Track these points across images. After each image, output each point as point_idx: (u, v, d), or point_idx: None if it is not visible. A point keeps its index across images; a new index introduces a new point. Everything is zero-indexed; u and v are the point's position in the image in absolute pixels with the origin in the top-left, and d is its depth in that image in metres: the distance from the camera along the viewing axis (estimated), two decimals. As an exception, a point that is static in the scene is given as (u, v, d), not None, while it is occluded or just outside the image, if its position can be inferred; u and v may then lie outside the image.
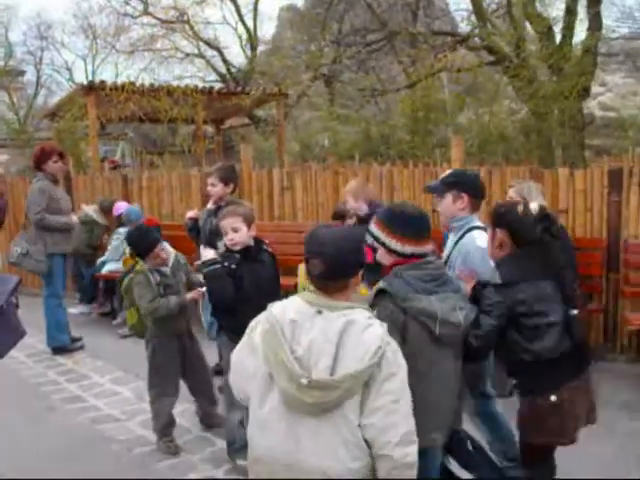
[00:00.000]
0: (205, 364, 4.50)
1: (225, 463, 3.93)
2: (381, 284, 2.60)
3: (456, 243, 3.35)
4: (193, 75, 21.23)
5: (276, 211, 7.42)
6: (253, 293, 3.60)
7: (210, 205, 4.96)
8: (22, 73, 28.54)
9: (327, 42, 15.79)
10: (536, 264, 2.85)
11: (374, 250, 2.79)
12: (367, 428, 2.10)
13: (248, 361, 2.26)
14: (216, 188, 4.93)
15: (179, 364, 4.27)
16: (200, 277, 4.03)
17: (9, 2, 34.94)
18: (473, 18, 13.15)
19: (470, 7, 13.27)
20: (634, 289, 5.38)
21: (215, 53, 20.68)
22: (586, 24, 11.05)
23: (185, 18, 19.04)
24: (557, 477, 3.15)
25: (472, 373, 3.09)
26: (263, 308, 2.31)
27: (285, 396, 2.11)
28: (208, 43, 20.30)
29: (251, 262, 3.75)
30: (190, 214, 5.22)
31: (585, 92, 10.63)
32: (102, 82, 11.27)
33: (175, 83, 13.98)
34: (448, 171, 3.68)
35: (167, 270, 4.20)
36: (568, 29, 10.80)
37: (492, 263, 2.98)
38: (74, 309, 7.75)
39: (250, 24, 20.57)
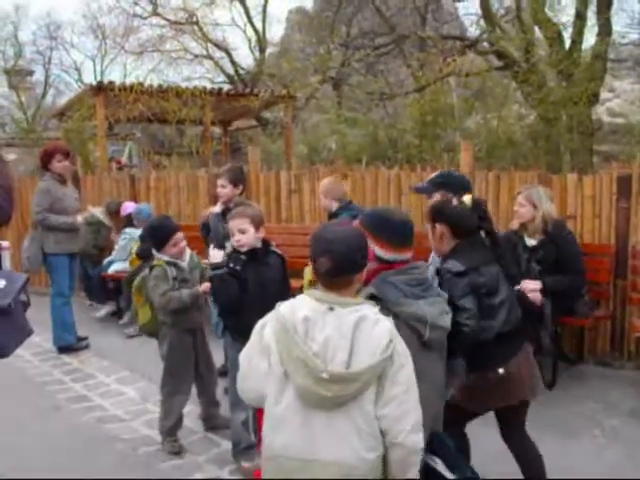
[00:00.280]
0: (213, 364, 4.50)
1: (230, 464, 3.92)
2: (371, 289, 2.55)
3: None
4: (202, 76, 21.28)
5: (283, 214, 7.42)
6: (258, 295, 3.59)
7: (219, 206, 4.97)
8: (31, 73, 28.68)
9: (335, 45, 15.81)
10: (482, 250, 3.05)
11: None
12: (382, 419, 2.17)
13: (258, 361, 2.27)
14: (225, 189, 4.96)
15: (193, 362, 4.28)
16: None
17: (19, 2, 35.08)
18: (482, 22, 13.13)
19: (479, 11, 13.26)
20: (642, 296, 5.36)
21: (224, 55, 20.71)
22: (596, 30, 11.03)
23: (194, 19, 19.08)
24: (560, 478, 3.18)
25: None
26: (268, 310, 2.31)
27: (302, 392, 2.15)
28: (217, 45, 20.33)
29: (257, 264, 3.74)
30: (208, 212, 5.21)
31: (594, 98, 10.59)
32: (111, 82, 11.31)
33: (184, 84, 14.03)
34: (435, 172, 3.81)
35: (184, 265, 4.21)
36: (578, 34, 10.76)
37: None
38: (99, 313, 7.77)
39: (259, 26, 20.61)
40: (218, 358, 4.60)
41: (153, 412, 4.52)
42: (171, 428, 4.20)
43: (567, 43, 10.91)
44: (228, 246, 3.98)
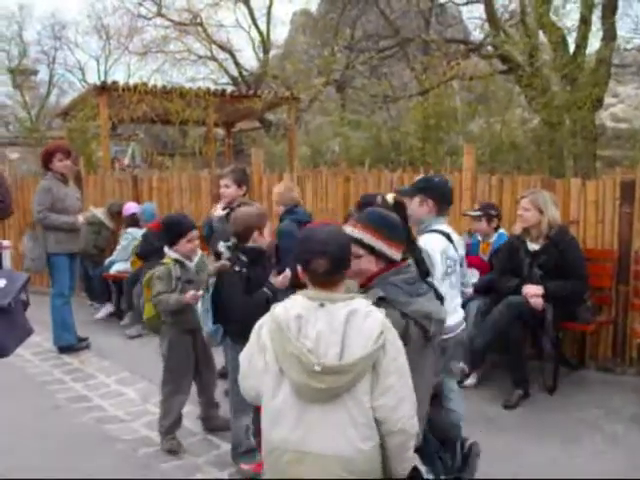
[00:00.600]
0: (213, 365, 4.50)
1: (230, 466, 3.91)
2: (379, 292, 2.57)
3: None
4: (205, 77, 21.31)
5: (285, 215, 7.39)
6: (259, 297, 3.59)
7: (221, 206, 4.96)
8: (35, 72, 28.72)
9: (340, 47, 15.81)
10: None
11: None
12: (379, 408, 2.23)
13: (257, 360, 2.34)
14: (229, 189, 4.96)
15: (193, 361, 4.28)
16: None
17: (24, 2, 35.10)
18: (486, 26, 13.13)
19: (483, 15, 13.27)
20: (644, 302, 5.34)
21: (228, 56, 20.74)
22: (600, 35, 11.01)
23: (198, 20, 19.12)
24: (561, 478, 3.14)
25: None
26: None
27: (297, 387, 2.22)
28: (221, 46, 20.35)
29: (259, 266, 3.75)
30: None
31: (598, 103, 10.58)
32: (115, 83, 11.33)
33: (187, 85, 14.05)
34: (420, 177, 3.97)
35: (191, 266, 4.22)
36: (582, 39, 10.75)
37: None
38: (99, 313, 7.76)
39: (263, 28, 20.64)
40: (218, 360, 4.59)
41: (153, 413, 4.51)
42: (170, 427, 4.20)
43: (571, 48, 10.90)
44: (221, 247, 3.95)
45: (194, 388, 4.41)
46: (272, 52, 21.32)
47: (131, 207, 7.80)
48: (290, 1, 28.48)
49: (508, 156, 10.87)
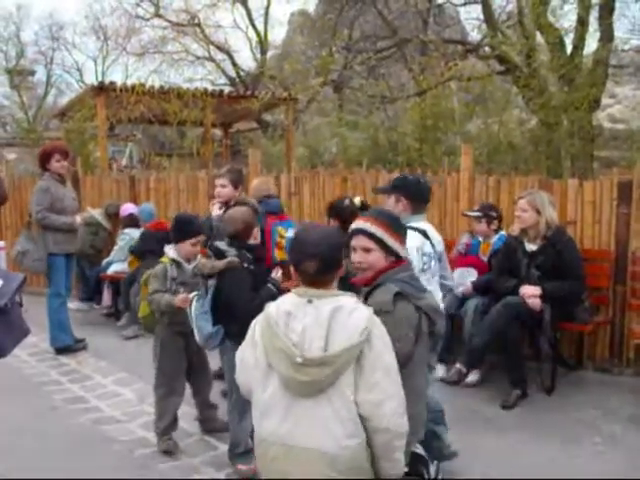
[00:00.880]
0: (207, 366, 4.48)
1: (227, 467, 3.90)
2: (394, 288, 2.63)
3: None
4: (203, 78, 21.32)
5: (283, 216, 7.38)
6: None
7: (217, 206, 4.96)
8: (33, 73, 28.73)
9: (337, 48, 15.80)
10: None
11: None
12: (363, 404, 2.24)
13: (249, 355, 2.42)
14: (226, 189, 4.98)
15: (185, 363, 4.26)
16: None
17: (22, 2, 35.11)
18: (484, 27, 13.13)
19: (481, 16, 13.27)
20: (642, 302, 5.34)
21: (225, 57, 20.74)
22: (598, 35, 11.02)
23: (196, 21, 19.12)
24: (560, 478, 3.23)
25: None
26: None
27: (285, 380, 2.27)
28: (218, 47, 20.36)
29: (262, 262, 3.78)
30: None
31: (595, 103, 10.58)
32: (112, 83, 11.31)
33: (185, 86, 14.02)
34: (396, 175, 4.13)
35: (188, 268, 4.18)
36: (580, 40, 10.75)
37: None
38: (72, 304, 7.70)
39: (261, 28, 20.64)
40: (215, 361, 4.58)
41: (150, 414, 4.50)
42: (165, 429, 4.18)
43: (569, 48, 10.91)
44: (223, 245, 3.94)
45: (189, 390, 4.39)
46: (270, 53, 21.34)
47: (128, 208, 7.79)
48: (288, 1, 28.45)
49: (506, 157, 10.86)
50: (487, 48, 12.83)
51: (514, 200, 5.39)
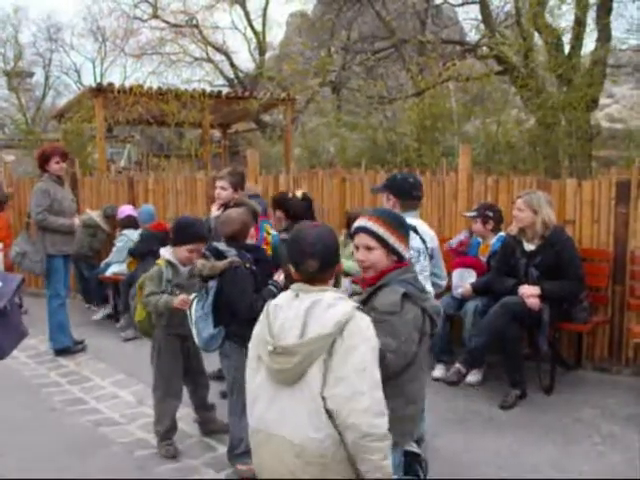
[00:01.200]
0: (203, 369, 4.47)
1: (227, 468, 3.90)
2: (400, 289, 2.61)
3: None
4: (201, 79, 21.35)
5: (281, 216, 7.38)
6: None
7: (216, 209, 4.95)
8: (31, 75, 28.73)
9: (336, 49, 15.80)
10: None
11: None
12: (332, 398, 2.22)
13: (250, 349, 2.49)
14: (226, 192, 4.97)
15: (182, 365, 4.25)
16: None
17: (19, 4, 35.08)
18: (482, 27, 13.14)
19: (479, 16, 13.29)
20: (640, 301, 5.35)
21: (223, 58, 20.74)
22: (595, 35, 11.04)
23: (194, 22, 19.13)
24: (559, 478, 3.19)
25: None
26: None
27: (267, 369, 2.35)
28: (217, 48, 20.37)
29: (261, 263, 3.77)
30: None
31: (593, 103, 10.59)
32: (110, 84, 11.30)
33: (183, 87, 14.04)
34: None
35: (184, 270, 4.15)
36: (577, 40, 10.77)
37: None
38: (96, 315, 7.74)
39: (259, 29, 20.64)
40: (213, 362, 4.58)
41: (149, 415, 4.50)
42: (165, 432, 4.17)
43: (566, 48, 10.92)
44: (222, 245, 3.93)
45: (186, 392, 4.38)
46: (268, 53, 21.37)
47: (126, 209, 7.78)
48: (286, 2, 28.44)
49: (504, 157, 10.87)
50: (485, 48, 12.84)
51: (512, 200, 5.39)
